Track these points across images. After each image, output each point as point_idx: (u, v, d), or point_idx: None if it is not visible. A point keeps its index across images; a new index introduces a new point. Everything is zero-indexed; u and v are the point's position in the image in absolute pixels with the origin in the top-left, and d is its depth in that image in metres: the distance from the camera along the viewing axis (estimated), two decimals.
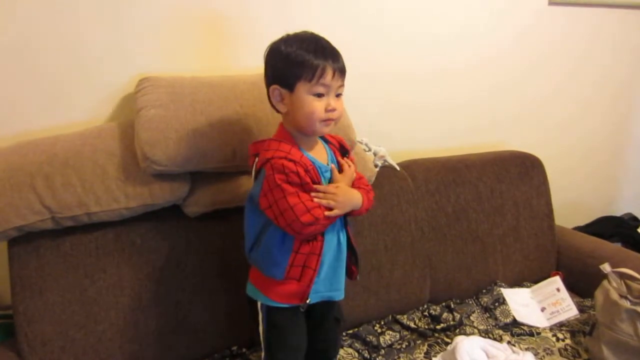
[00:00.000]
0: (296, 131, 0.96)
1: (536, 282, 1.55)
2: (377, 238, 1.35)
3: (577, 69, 1.88)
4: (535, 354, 1.24)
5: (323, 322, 1.07)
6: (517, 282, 1.55)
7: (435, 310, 1.40)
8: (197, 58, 1.32)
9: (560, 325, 1.40)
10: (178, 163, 1.06)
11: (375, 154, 1.41)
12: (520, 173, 1.59)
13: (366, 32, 1.49)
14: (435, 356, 1.24)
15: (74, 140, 1.12)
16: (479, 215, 1.51)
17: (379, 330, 1.33)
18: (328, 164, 0.99)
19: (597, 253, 1.55)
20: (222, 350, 1.20)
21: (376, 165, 1.39)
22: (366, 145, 1.40)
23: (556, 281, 1.50)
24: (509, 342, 1.29)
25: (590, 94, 1.95)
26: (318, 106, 0.91)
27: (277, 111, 0.97)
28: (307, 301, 0.97)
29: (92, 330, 1.10)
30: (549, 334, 1.35)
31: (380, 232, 1.35)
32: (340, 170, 1.01)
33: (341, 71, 0.93)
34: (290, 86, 0.91)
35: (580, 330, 1.35)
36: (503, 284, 1.51)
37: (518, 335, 1.34)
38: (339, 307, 1.11)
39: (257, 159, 0.96)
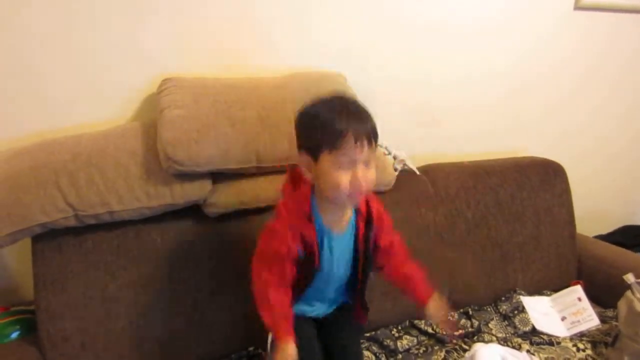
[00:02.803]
0: (325, 199, 0.90)
1: (556, 291, 1.52)
2: None
3: (598, 73, 1.85)
4: None
5: (340, 327, 1.06)
6: (536, 291, 1.52)
7: (453, 316, 1.39)
8: (219, 59, 1.32)
9: (581, 336, 1.37)
10: (199, 163, 1.07)
11: (395, 158, 1.40)
12: (542, 180, 1.56)
13: (386, 36, 1.49)
14: None
15: (97, 140, 1.14)
16: (499, 222, 1.49)
17: (397, 335, 1.32)
18: (344, 232, 0.94)
19: (619, 263, 1.52)
20: (239, 350, 1.21)
21: (396, 169, 1.38)
22: (386, 148, 1.40)
23: (577, 290, 1.47)
24: (528, 351, 1.27)
25: (611, 99, 1.92)
26: (343, 180, 0.83)
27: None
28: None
29: (112, 328, 1.11)
30: (570, 344, 1.32)
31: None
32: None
33: (368, 137, 0.83)
34: (314, 156, 0.86)
35: (601, 341, 1.32)
36: (522, 292, 1.49)
37: (537, 344, 1.32)
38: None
39: (281, 196, 0.96)
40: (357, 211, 0.97)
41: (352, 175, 0.84)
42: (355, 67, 1.44)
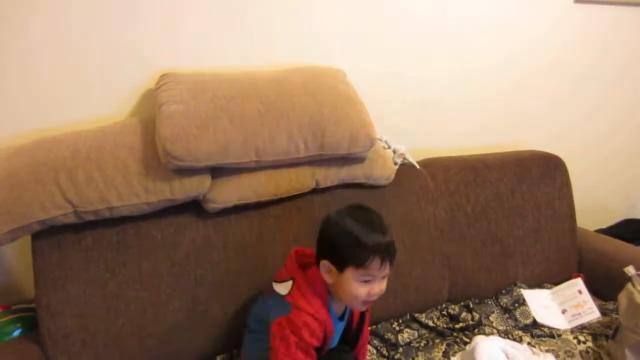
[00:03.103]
0: (335, 296, 0.99)
1: (556, 284, 1.52)
2: (396, 236, 1.28)
3: (598, 67, 1.85)
4: (556, 356, 1.22)
5: None
6: (537, 284, 1.52)
7: (454, 309, 1.39)
8: (217, 55, 1.32)
9: (581, 328, 1.37)
10: (198, 158, 1.07)
11: (394, 152, 1.40)
12: (542, 174, 1.56)
13: (385, 30, 1.48)
14: (453, 355, 1.23)
15: (96, 136, 1.13)
16: (499, 215, 1.49)
17: (397, 328, 1.32)
18: (343, 318, 1.05)
19: (620, 256, 1.52)
20: (240, 346, 1.20)
21: (395, 163, 1.38)
22: (386, 142, 1.39)
23: (578, 283, 1.47)
24: (528, 344, 1.27)
25: (611, 92, 1.91)
26: (362, 291, 0.94)
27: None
28: None
29: (112, 324, 1.11)
30: (570, 337, 1.32)
31: (398, 231, 1.34)
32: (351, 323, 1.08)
33: (391, 257, 0.95)
34: (340, 267, 0.94)
35: (602, 334, 1.32)
36: (523, 285, 1.49)
37: (538, 336, 1.32)
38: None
39: (292, 285, 0.99)
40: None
41: (370, 288, 0.94)
42: (354, 62, 1.44)
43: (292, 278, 1.00)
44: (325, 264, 0.96)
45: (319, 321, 0.95)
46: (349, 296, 0.95)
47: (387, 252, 0.93)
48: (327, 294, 0.99)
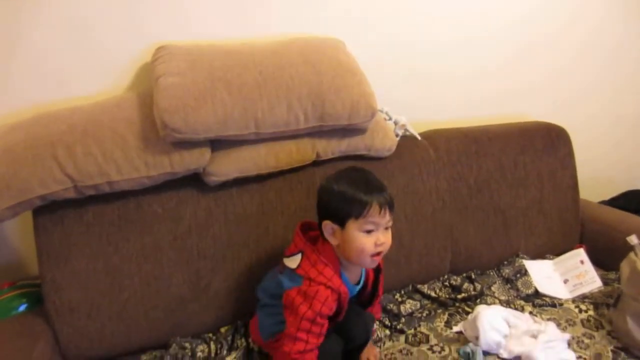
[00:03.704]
0: (345, 260, 1.00)
1: (559, 255, 1.52)
2: (397, 207, 1.29)
3: (599, 34, 1.80)
4: (557, 325, 1.23)
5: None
6: (539, 255, 1.52)
7: (456, 280, 1.40)
8: (214, 25, 1.29)
9: (583, 297, 1.38)
10: (197, 130, 1.05)
11: (396, 123, 1.38)
12: (546, 145, 1.54)
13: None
14: (455, 325, 1.24)
15: (93, 111, 1.12)
16: (502, 187, 1.48)
17: (400, 299, 1.33)
18: (359, 283, 1.06)
19: (622, 226, 1.51)
20: (243, 317, 1.22)
21: (397, 135, 1.37)
22: (387, 114, 1.38)
23: (580, 253, 1.48)
24: (530, 313, 1.28)
25: (615, 62, 1.87)
26: (368, 242, 0.95)
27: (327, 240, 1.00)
28: None
29: (116, 298, 1.12)
30: (572, 306, 1.33)
31: (400, 202, 1.33)
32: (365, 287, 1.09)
33: (389, 206, 0.96)
34: (341, 223, 0.96)
35: (603, 303, 1.33)
36: (525, 256, 1.49)
37: (540, 306, 1.33)
38: (368, 325, 1.12)
39: (301, 258, 0.99)
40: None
41: (376, 239, 0.96)
42: (354, 33, 1.41)
43: (300, 251, 1.00)
44: (327, 224, 0.98)
45: (332, 289, 0.96)
46: (357, 252, 0.96)
47: (383, 199, 0.95)
48: (338, 262, 1.00)
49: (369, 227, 0.95)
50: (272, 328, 1.05)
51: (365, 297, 1.12)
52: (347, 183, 0.97)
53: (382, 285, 1.13)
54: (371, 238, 0.95)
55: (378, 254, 0.97)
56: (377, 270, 1.10)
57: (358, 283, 1.07)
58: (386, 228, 0.98)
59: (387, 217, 0.96)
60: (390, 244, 0.99)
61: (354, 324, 1.07)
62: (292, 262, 1.00)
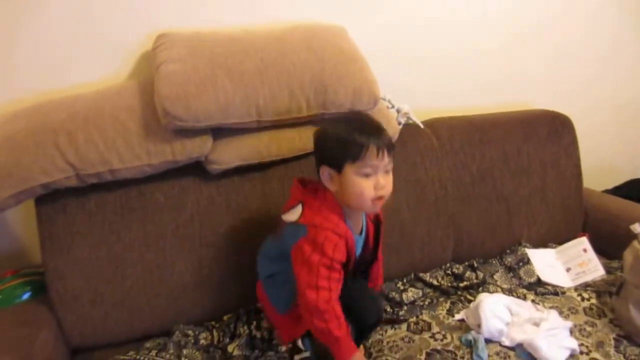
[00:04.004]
0: (346, 207, 0.96)
1: (561, 244, 1.51)
2: (400, 196, 1.33)
3: (602, 21, 1.77)
4: (560, 313, 1.22)
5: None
6: (542, 244, 1.52)
7: (458, 269, 1.40)
8: (215, 12, 1.28)
9: (585, 286, 1.37)
10: (198, 118, 1.05)
11: (398, 111, 1.37)
12: (549, 133, 1.53)
13: None
14: (458, 313, 1.24)
15: (94, 98, 1.12)
16: (505, 175, 1.47)
17: (402, 288, 1.33)
18: (361, 234, 1.02)
19: (625, 215, 1.50)
20: (246, 306, 1.22)
21: (399, 123, 1.36)
22: (389, 102, 1.37)
23: (583, 242, 1.47)
24: (532, 301, 1.28)
25: (616, 48, 1.84)
26: (367, 186, 0.91)
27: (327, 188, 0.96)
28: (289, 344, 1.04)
29: (119, 286, 1.12)
30: (574, 294, 1.33)
31: (403, 190, 1.33)
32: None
33: (387, 148, 0.92)
34: (338, 167, 0.92)
35: (606, 291, 1.32)
36: (527, 245, 1.49)
37: (542, 294, 1.33)
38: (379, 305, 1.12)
39: (302, 208, 0.95)
40: (365, 215, 1.04)
41: (375, 182, 0.91)
42: (355, 20, 1.40)
43: (300, 202, 0.96)
44: (324, 170, 0.94)
45: (339, 235, 0.92)
46: (356, 197, 0.92)
47: (381, 141, 0.91)
48: (341, 209, 0.95)
49: (367, 170, 0.90)
50: (290, 295, 0.99)
51: (367, 254, 1.06)
52: (343, 126, 0.93)
53: (382, 238, 1.08)
54: (370, 181, 0.91)
55: (379, 198, 0.92)
56: (377, 223, 1.06)
57: (360, 233, 1.02)
58: (386, 171, 0.93)
59: (386, 160, 0.91)
60: (391, 188, 0.94)
61: (365, 306, 1.04)
62: (293, 214, 0.95)
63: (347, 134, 0.91)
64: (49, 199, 1.08)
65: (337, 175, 0.93)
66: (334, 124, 0.96)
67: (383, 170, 0.92)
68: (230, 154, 1.13)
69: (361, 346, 1.13)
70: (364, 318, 1.05)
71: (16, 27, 1.14)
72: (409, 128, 1.39)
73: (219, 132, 1.13)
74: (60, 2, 1.15)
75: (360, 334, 1.07)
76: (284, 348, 1.10)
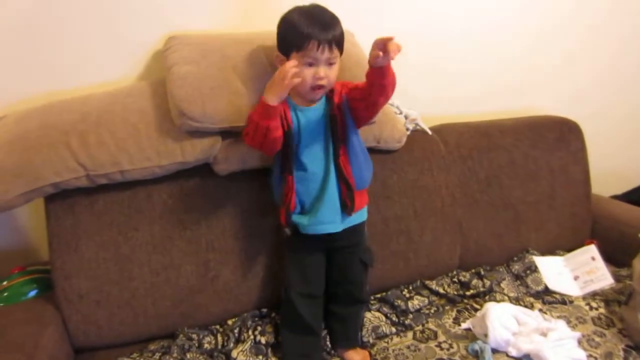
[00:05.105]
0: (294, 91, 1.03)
1: (569, 251, 1.50)
2: (407, 202, 1.33)
3: (608, 24, 1.77)
4: (568, 323, 1.21)
5: (347, 263, 1.13)
6: (549, 251, 1.51)
7: (465, 276, 1.39)
8: (225, 15, 1.29)
9: (594, 295, 1.36)
10: (214, 120, 1.06)
11: (406, 117, 1.37)
12: (557, 139, 1.52)
13: None
14: (464, 322, 1.23)
15: (105, 100, 1.13)
16: (512, 181, 1.46)
17: (407, 295, 1.32)
18: (315, 106, 1.05)
19: (635, 221, 1.49)
20: (252, 310, 1.22)
21: (407, 129, 1.36)
22: (397, 108, 1.37)
23: (591, 250, 1.45)
24: (540, 310, 1.26)
25: (624, 52, 1.83)
26: (307, 74, 0.99)
27: None
28: (286, 229, 1.09)
29: (126, 286, 1.12)
30: (582, 303, 1.32)
31: (410, 197, 1.33)
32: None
33: (330, 43, 0.98)
34: (286, 53, 1.00)
35: (615, 300, 1.31)
36: (535, 252, 1.48)
37: (550, 303, 1.31)
38: (367, 251, 1.15)
39: None
40: (328, 95, 1.07)
41: (315, 72, 0.99)
42: (364, 25, 1.39)
43: None
44: (277, 56, 1.02)
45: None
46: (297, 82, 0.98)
47: (324, 36, 0.96)
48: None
49: (309, 60, 0.98)
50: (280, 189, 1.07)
51: (337, 125, 1.05)
52: (297, 14, 0.99)
53: (353, 89, 1.06)
54: (310, 70, 0.98)
55: (319, 87, 1.00)
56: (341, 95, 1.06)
57: (313, 103, 1.05)
58: (330, 64, 1.00)
59: (327, 54, 0.98)
60: (334, 79, 1.02)
61: (348, 266, 1.13)
62: None
63: (295, 24, 0.98)
64: (59, 198, 1.09)
65: (284, 60, 1.00)
66: (293, 11, 1.01)
67: (326, 63, 0.99)
68: (239, 156, 1.13)
69: (367, 351, 1.14)
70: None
71: (28, 27, 1.15)
72: (417, 134, 1.39)
73: (228, 134, 1.13)
74: (71, 3, 1.16)
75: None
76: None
